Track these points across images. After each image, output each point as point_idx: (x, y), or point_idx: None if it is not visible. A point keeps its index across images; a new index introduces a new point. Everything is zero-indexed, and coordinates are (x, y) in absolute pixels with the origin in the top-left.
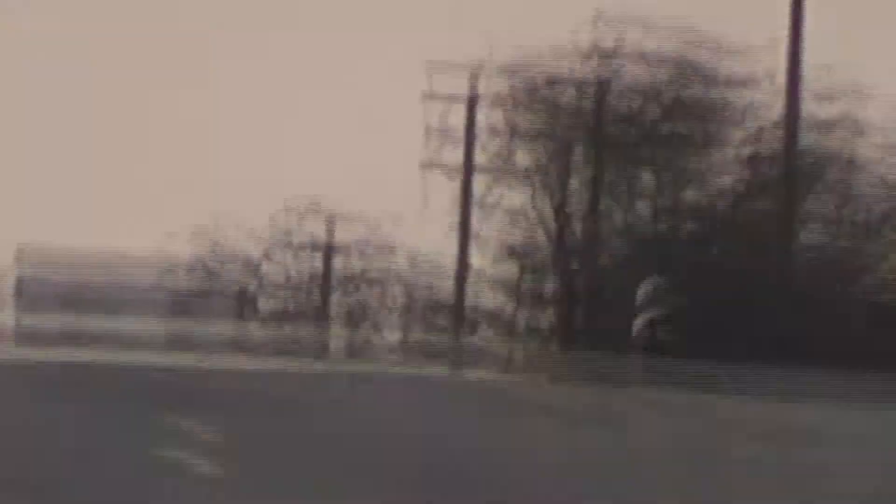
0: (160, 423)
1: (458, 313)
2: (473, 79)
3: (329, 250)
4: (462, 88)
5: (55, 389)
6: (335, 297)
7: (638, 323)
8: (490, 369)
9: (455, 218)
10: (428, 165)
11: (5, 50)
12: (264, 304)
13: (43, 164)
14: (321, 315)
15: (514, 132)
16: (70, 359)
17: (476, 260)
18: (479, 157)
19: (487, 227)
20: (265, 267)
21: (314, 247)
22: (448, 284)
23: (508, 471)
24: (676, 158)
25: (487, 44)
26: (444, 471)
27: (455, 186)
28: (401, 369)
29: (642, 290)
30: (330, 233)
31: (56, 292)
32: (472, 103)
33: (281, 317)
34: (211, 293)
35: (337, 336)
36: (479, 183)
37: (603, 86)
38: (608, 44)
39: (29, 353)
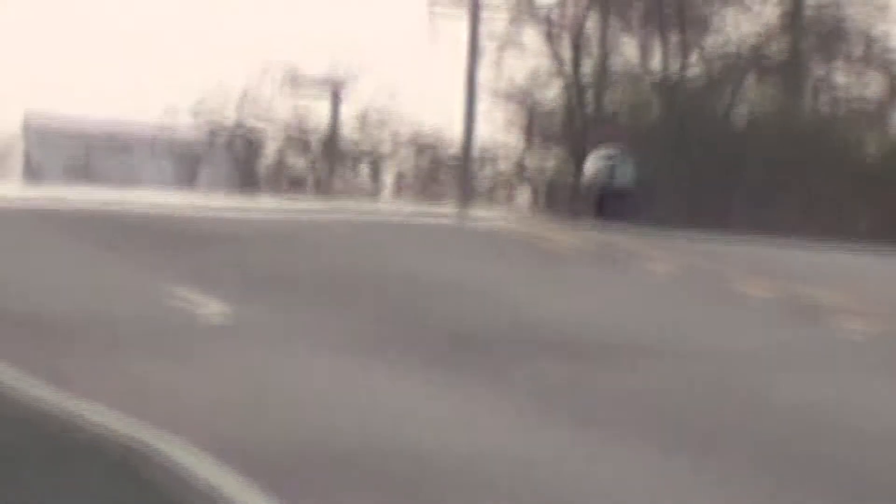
0: (171, 262)
1: (465, 152)
2: None
3: (335, 120)
4: None
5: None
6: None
7: (589, 199)
8: (498, 210)
9: (464, 58)
10: (436, 2)
11: None
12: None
13: (48, 32)
14: (326, 185)
15: None
16: (76, 199)
17: (485, 103)
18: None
19: (498, 68)
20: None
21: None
22: (454, 148)
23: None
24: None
25: None
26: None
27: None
28: (408, 210)
29: (590, 165)
30: (335, 99)
31: (64, 161)
32: None
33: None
34: (215, 149)
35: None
36: (491, 21)
37: None
38: None
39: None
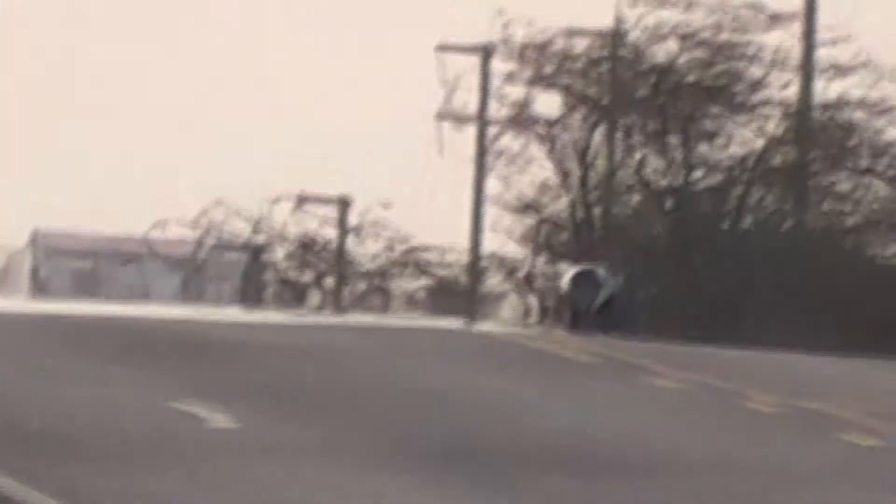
0: (178, 373)
1: (473, 265)
2: (490, 30)
3: (342, 236)
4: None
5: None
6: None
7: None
8: (506, 321)
9: (471, 169)
10: (443, 116)
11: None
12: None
13: (53, 150)
14: (337, 298)
15: (533, 80)
16: (84, 312)
17: (492, 214)
18: (497, 108)
19: (504, 178)
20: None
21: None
22: (461, 260)
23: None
24: (696, 112)
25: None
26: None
27: (472, 139)
28: (417, 321)
29: (564, 280)
30: (342, 215)
31: (70, 276)
32: (487, 52)
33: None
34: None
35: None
36: (496, 133)
37: (621, 35)
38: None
39: (44, 305)
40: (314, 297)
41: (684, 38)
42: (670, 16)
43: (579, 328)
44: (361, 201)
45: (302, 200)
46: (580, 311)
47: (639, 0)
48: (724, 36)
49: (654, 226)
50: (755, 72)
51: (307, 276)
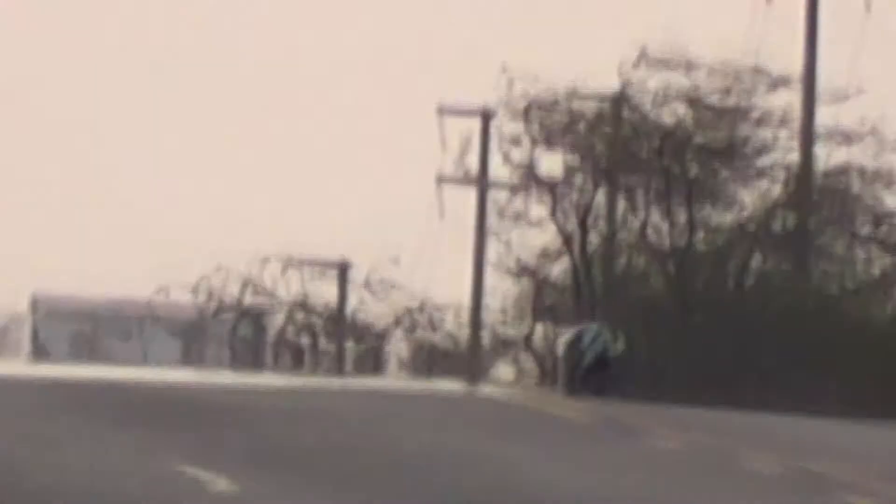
0: (179, 437)
1: (474, 327)
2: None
3: (342, 300)
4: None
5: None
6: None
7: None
8: (506, 384)
9: (472, 228)
10: (444, 179)
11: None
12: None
13: (53, 213)
14: (337, 360)
15: (535, 142)
16: (85, 376)
17: (492, 275)
18: (500, 169)
19: (505, 240)
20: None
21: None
22: (461, 320)
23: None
24: (699, 174)
25: (507, 78)
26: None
27: (472, 200)
28: (416, 385)
29: (561, 341)
30: (342, 280)
31: (70, 339)
32: (487, 115)
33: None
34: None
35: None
36: (498, 195)
37: (624, 97)
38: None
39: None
40: (313, 360)
41: (687, 101)
42: (673, 78)
43: (572, 390)
44: (363, 264)
45: (301, 264)
46: (571, 374)
47: (642, 61)
48: (727, 99)
49: (655, 287)
50: (759, 135)
51: (306, 339)
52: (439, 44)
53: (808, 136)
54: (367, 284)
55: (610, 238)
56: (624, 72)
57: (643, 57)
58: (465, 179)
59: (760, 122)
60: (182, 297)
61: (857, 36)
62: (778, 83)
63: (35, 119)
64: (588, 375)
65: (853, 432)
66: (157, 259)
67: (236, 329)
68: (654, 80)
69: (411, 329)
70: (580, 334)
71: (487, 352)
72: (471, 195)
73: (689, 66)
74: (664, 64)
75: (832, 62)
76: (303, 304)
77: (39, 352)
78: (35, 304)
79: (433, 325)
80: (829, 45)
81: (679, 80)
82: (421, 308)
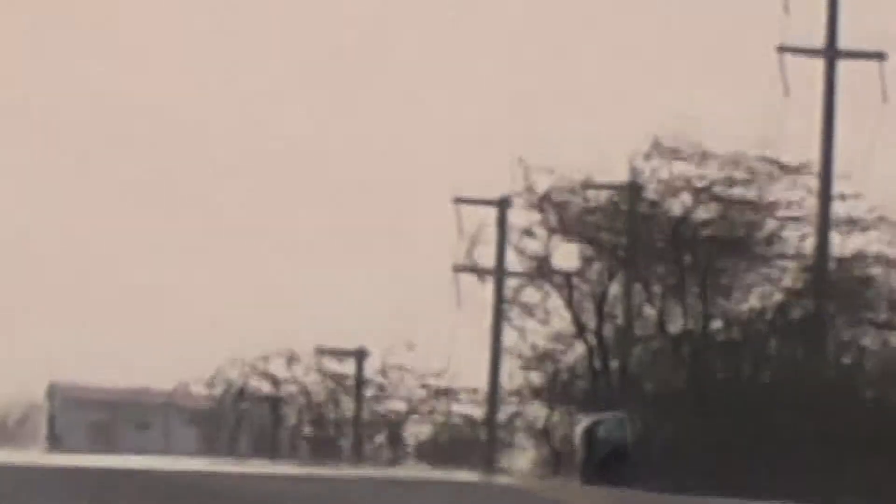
0: None
1: (490, 416)
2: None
3: (359, 388)
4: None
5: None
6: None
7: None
8: (522, 472)
9: (489, 320)
10: (461, 269)
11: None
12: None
13: (73, 303)
14: (355, 451)
15: (551, 232)
16: (102, 465)
17: (508, 361)
18: (515, 260)
19: (521, 330)
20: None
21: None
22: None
23: None
24: (714, 263)
25: (523, 169)
26: None
27: (488, 289)
28: (432, 474)
29: (578, 430)
30: (359, 370)
31: (87, 428)
32: (504, 205)
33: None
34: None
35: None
36: (513, 285)
37: (635, 186)
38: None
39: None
40: (329, 448)
41: (698, 191)
42: (685, 168)
43: (589, 480)
44: (381, 353)
45: (320, 353)
46: (588, 463)
47: (653, 153)
48: (738, 190)
49: (672, 375)
50: (771, 224)
51: (324, 428)
52: (458, 135)
53: (824, 225)
54: (382, 371)
55: (626, 326)
56: (634, 163)
57: (656, 147)
58: (480, 269)
59: (772, 211)
60: (200, 388)
61: (874, 125)
62: (790, 173)
63: (55, 207)
64: (605, 465)
65: None
66: (175, 349)
67: (254, 418)
68: (665, 171)
69: (429, 414)
70: (597, 423)
71: (504, 439)
72: (487, 288)
73: (702, 157)
74: (675, 154)
75: (848, 151)
76: (320, 393)
77: (57, 441)
78: (52, 393)
79: (450, 412)
80: (846, 134)
81: (690, 171)
82: (437, 394)
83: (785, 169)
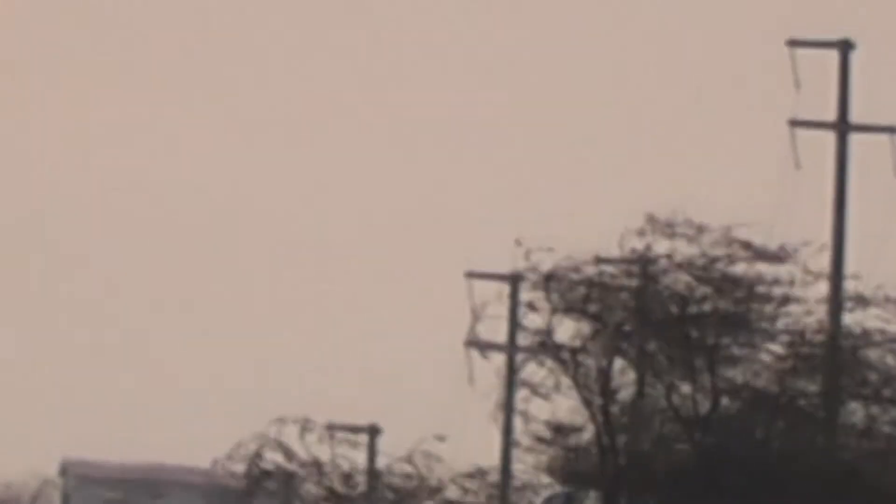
0: None
1: (504, 493)
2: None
3: (371, 464)
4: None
5: None
6: None
7: None
8: None
9: (498, 398)
10: (472, 344)
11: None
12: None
13: (86, 376)
14: None
15: (556, 310)
16: None
17: (520, 440)
18: (523, 336)
19: (531, 407)
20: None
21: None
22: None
23: None
24: (720, 338)
25: (520, 247)
26: None
27: (498, 366)
28: None
29: None
30: (371, 454)
31: None
32: (516, 280)
33: None
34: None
35: None
36: (522, 362)
37: (645, 264)
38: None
39: None
40: None
41: (693, 267)
42: (680, 245)
43: None
44: (393, 431)
45: (332, 429)
46: None
47: (649, 228)
48: (734, 268)
49: (681, 452)
50: (774, 301)
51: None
52: (464, 211)
53: (836, 302)
54: (409, 459)
55: (634, 402)
56: (624, 241)
57: (652, 223)
58: (489, 346)
59: (768, 288)
60: (215, 462)
61: (886, 205)
62: (786, 255)
63: (62, 278)
64: None
65: None
66: (189, 424)
67: (266, 494)
68: (660, 247)
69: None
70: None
71: None
72: (497, 363)
73: (699, 231)
74: (668, 233)
75: (861, 227)
76: (331, 470)
77: None
78: (65, 470)
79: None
80: (858, 210)
81: (685, 248)
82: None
83: (761, 254)
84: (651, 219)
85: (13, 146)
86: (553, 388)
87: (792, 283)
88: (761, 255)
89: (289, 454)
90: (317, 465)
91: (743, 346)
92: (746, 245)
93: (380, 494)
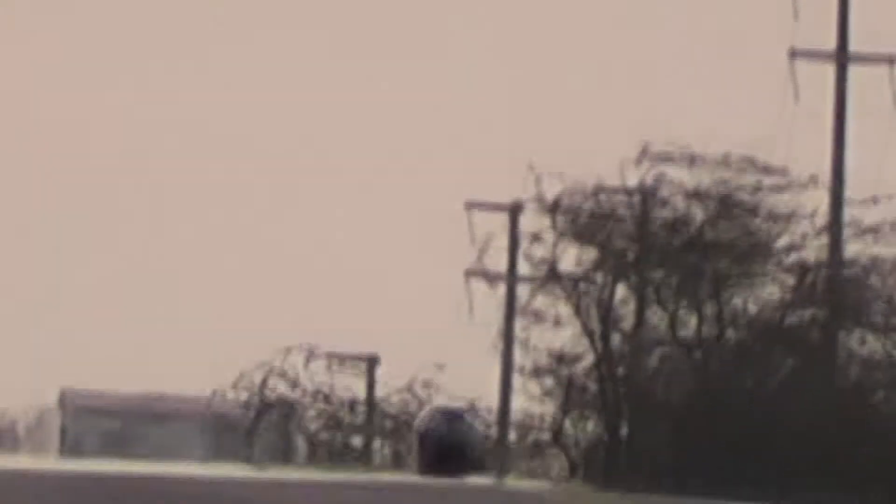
0: None
1: (502, 422)
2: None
3: (370, 394)
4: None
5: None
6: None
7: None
8: (535, 479)
9: (500, 328)
10: (472, 274)
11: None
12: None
13: (85, 305)
14: (365, 456)
15: (559, 239)
16: (113, 471)
17: (521, 369)
18: (524, 265)
19: (533, 336)
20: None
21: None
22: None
23: None
24: (722, 265)
25: (529, 174)
26: None
27: (499, 296)
28: (444, 481)
29: (422, 416)
30: (371, 378)
31: (99, 434)
32: (515, 210)
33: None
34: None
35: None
36: (523, 291)
37: (648, 192)
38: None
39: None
40: (345, 455)
41: (696, 196)
42: (679, 173)
43: (430, 465)
44: (391, 360)
45: (331, 358)
46: (432, 448)
47: (644, 157)
48: (737, 195)
49: (682, 382)
50: (783, 231)
51: (338, 434)
52: (470, 139)
53: (836, 235)
54: (409, 388)
55: (636, 333)
56: (623, 169)
57: (648, 153)
58: (491, 275)
59: (774, 218)
60: (215, 390)
61: (885, 134)
62: (792, 183)
63: (66, 211)
64: (440, 458)
65: None
66: (190, 351)
67: (268, 423)
68: (662, 175)
69: None
70: (432, 416)
71: (516, 447)
72: (495, 290)
73: (691, 162)
74: (665, 159)
75: (858, 160)
76: (332, 399)
77: (69, 447)
78: (63, 400)
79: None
80: (856, 143)
81: (686, 176)
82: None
83: (764, 169)
84: (645, 150)
85: None
86: (555, 318)
87: (793, 213)
88: (765, 170)
89: (294, 383)
90: (320, 394)
91: (747, 274)
92: (750, 162)
93: (379, 423)
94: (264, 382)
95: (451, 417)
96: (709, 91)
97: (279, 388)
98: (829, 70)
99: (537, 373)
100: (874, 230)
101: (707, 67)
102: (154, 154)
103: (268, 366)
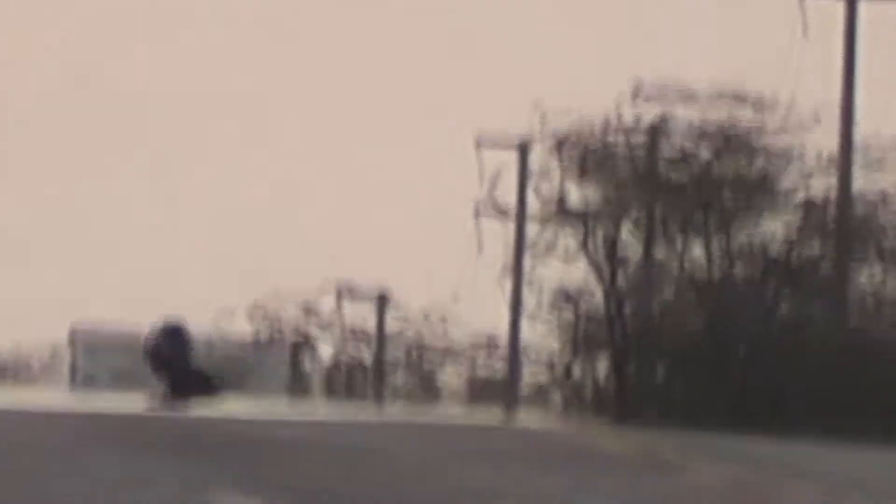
0: (219, 470)
1: (512, 359)
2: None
3: (381, 332)
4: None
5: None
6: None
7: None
8: (545, 416)
9: (508, 263)
10: (481, 211)
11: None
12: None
13: (96, 243)
14: (378, 387)
15: (566, 174)
16: (124, 407)
17: (529, 306)
18: (532, 201)
19: (541, 273)
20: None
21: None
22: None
23: None
24: (729, 201)
25: (536, 111)
26: None
27: (508, 232)
28: (456, 418)
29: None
30: (382, 303)
31: (109, 371)
32: (524, 147)
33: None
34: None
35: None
36: (531, 228)
37: (655, 128)
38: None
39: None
40: (358, 390)
41: (702, 134)
42: (676, 110)
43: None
44: (401, 294)
45: (342, 294)
46: (160, 365)
47: (639, 94)
48: (737, 131)
49: (691, 318)
50: (791, 168)
51: (352, 369)
52: (479, 76)
53: (846, 168)
54: (425, 319)
55: (643, 267)
56: (620, 105)
57: (645, 89)
58: (501, 213)
59: (777, 156)
60: (229, 322)
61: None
62: (795, 119)
63: (75, 146)
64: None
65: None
66: (203, 286)
67: (285, 355)
68: (652, 112)
69: (457, 360)
70: (166, 329)
71: (528, 383)
72: (505, 226)
73: (689, 97)
74: (661, 95)
75: (867, 100)
76: (351, 333)
77: (79, 383)
78: (73, 337)
79: (476, 359)
80: (865, 82)
81: (691, 113)
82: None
83: (755, 103)
84: (638, 86)
85: None
86: (564, 254)
87: (802, 149)
88: (769, 106)
89: (309, 313)
90: (336, 326)
91: (755, 208)
92: (750, 101)
93: (390, 357)
94: (276, 314)
95: (172, 332)
96: (716, 30)
97: (292, 318)
98: (839, 7)
99: (545, 309)
100: (880, 163)
101: (717, 6)
102: (168, 88)
103: (279, 297)
